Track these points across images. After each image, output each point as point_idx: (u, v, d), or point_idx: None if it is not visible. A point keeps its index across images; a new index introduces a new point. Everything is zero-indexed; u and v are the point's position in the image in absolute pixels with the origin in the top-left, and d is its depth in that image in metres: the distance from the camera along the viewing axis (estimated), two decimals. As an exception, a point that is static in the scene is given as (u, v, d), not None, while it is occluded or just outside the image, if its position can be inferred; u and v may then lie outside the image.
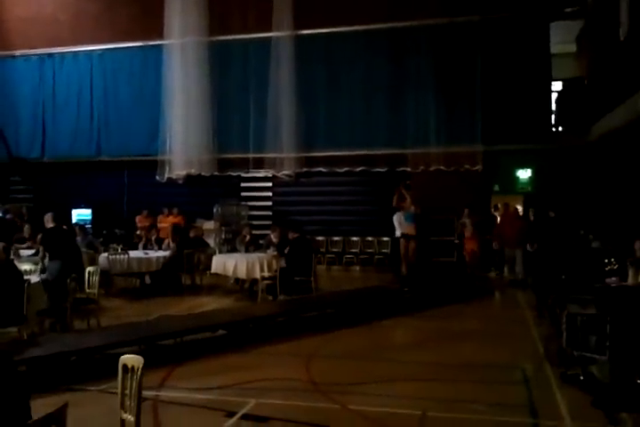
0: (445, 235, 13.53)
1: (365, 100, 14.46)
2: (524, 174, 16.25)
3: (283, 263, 10.26)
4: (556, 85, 14.08)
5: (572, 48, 14.95)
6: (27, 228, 11.91)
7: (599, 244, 8.76)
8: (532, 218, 12.68)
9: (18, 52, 16.86)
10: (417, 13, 13.73)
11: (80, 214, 16.00)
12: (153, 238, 12.28)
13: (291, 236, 10.71)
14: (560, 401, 5.23)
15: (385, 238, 14.56)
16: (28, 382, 3.05)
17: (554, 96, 13.95)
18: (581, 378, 5.53)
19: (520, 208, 14.05)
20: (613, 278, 6.74)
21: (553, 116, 13.93)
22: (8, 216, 14.26)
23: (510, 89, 13.52)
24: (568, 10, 13.44)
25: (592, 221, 11.64)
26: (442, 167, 13.79)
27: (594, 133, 12.18)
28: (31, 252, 10.18)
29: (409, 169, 14.24)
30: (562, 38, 14.07)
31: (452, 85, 13.78)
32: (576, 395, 5.32)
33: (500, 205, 13.86)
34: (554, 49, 13.77)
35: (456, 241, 13.57)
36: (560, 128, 14.03)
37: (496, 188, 15.43)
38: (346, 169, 14.83)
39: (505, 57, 13.58)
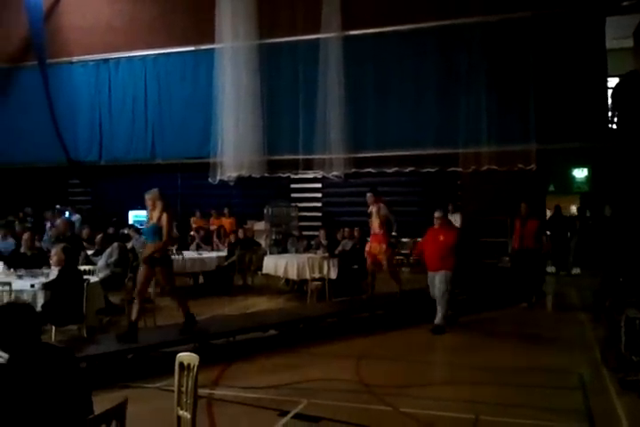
0: (496, 236, 13.23)
1: (415, 100, 14.30)
2: (580, 174, 15.85)
3: (334, 264, 10.27)
4: (612, 82, 13.64)
5: (629, 43, 14.45)
6: (85, 230, 12.33)
7: (660, 245, 8.46)
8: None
9: (75, 59, 17.40)
10: (467, 11, 13.51)
11: (136, 215, 16.42)
12: (201, 238, 12.45)
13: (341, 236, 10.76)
14: (619, 408, 5.09)
15: (435, 240, 14.35)
16: (89, 378, 3.15)
17: (609, 93, 13.53)
18: (641, 384, 5.37)
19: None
20: (675, 281, 6.50)
21: (609, 113, 13.52)
22: (74, 217, 14.75)
23: (564, 86, 13.15)
24: (625, 3, 12.98)
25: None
26: (494, 167, 13.52)
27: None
28: (90, 252, 10.49)
29: (460, 169, 14.05)
30: (618, 33, 13.63)
31: (505, 83, 13.50)
32: (636, 402, 5.17)
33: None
34: (609, 44, 13.34)
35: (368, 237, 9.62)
36: (616, 125, 13.59)
37: (551, 188, 15.07)
38: (395, 169, 14.76)
39: (559, 53, 13.20)
